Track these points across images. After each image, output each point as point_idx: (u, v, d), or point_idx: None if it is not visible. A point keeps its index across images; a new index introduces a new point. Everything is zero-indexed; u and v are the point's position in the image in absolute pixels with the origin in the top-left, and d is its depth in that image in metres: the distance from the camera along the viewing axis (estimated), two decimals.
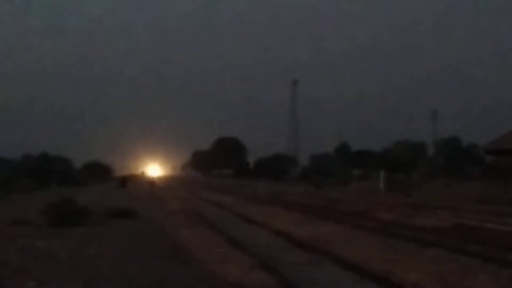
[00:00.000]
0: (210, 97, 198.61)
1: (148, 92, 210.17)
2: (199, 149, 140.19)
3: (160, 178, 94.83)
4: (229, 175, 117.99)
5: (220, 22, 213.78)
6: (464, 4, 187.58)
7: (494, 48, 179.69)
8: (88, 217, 21.98)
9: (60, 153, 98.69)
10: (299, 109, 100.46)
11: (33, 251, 13.98)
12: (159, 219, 24.02)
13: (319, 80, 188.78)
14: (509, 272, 10.76)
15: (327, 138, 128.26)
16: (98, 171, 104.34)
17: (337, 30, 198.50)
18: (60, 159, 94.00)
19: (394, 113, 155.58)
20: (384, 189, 43.47)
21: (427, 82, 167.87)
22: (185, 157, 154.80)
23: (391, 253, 13.47)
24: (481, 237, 15.87)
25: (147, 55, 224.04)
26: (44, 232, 18.30)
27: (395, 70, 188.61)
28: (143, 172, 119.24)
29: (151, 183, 71.07)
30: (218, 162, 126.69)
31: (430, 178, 52.50)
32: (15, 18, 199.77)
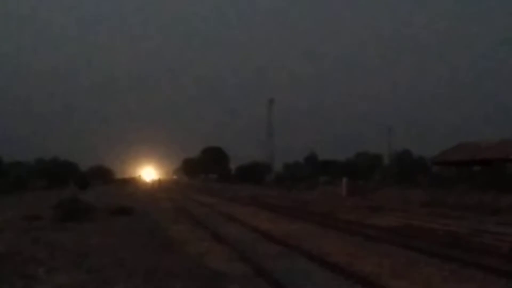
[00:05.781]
0: (200, 110, 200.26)
1: (148, 105, 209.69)
2: (188, 156, 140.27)
3: (154, 181, 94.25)
4: (213, 180, 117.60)
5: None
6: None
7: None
8: (92, 213, 21.86)
9: (69, 157, 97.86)
10: (275, 121, 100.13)
11: (43, 243, 13.86)
12: (154, 216, 23.91)
13: (294, 96, 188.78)
14: (450, 266, 10.88)
15: (298, 148, 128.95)
16: (101, 174, 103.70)
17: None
18: (68, 163, 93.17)
19: (357, 128, 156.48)
20: (346, 193, 43.59)
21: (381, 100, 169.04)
22: (177, 163, 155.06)
23: (351, 247, 13.54)
24: (427, 235, 16.00)
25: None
26: (53, 226, 18.16)
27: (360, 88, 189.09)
28: (140, 176, 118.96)
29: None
30: (205, 168, 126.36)
31: (385, 185, 52.80)
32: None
